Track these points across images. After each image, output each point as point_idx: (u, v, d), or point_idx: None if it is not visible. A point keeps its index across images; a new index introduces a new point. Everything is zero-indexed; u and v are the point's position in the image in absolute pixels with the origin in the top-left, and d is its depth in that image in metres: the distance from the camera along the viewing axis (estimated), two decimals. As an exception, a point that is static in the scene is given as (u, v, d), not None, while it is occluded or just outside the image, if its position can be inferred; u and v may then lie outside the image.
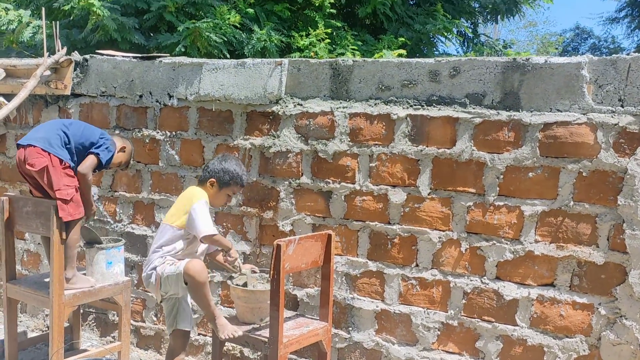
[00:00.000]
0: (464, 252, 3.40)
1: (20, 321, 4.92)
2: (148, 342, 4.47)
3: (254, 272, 3.66)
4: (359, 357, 3.70)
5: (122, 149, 3.98)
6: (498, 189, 3.30)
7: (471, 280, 3.38)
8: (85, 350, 4.40)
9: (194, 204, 3.36)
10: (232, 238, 4.07)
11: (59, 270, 3.75)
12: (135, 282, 4.48)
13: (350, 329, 3.72)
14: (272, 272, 3.13)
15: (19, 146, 3.79)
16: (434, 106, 3.45)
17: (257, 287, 3.47)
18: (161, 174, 4.34)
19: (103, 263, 4.00)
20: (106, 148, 3.82)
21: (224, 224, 4.11)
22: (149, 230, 4.40)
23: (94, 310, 4.68)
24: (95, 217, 4.62)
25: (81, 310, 4.57)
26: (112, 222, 4.57)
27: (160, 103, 4.30)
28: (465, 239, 3.39)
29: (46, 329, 4.80)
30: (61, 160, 3.74)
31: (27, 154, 3.73)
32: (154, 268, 3.41)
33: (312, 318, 3.62)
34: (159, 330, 4.41)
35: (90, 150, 3.78)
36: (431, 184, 3.46)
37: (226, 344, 3.57)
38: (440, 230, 3.46)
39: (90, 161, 3.79)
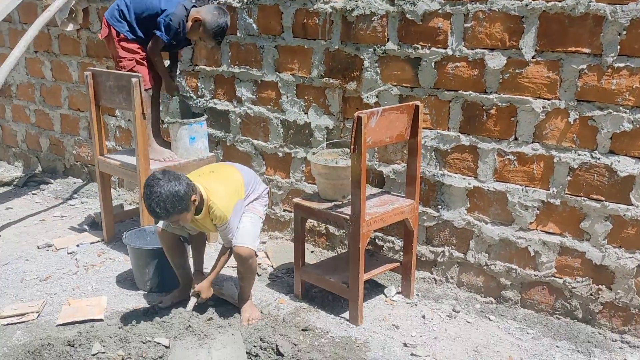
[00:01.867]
0: (572, 123, 2.97)
1: (119, 195, 5.13)
2: (236, 217, 4.50)
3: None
4: (449, 236, 3.49)
5: (196, 21, 3.76)
6: (619, 47, 2.78)
7: (579, 155, 2.98)
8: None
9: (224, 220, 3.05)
10: (315, 112, 3.85)
11: (143, 145, 3.74)
12: (221, 158, 4.45)
13: (440, 207, 3.49)
14: (352, 146, 2.90)
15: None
16: (544, -51, 2.88)
17: (340, 163, 3.27)
18: (240, 44, 4.11)
19: (186, 138, 3.96)
20: (166, 26, 3.71)
21: (306, 97, 3.87)
22: (231, 105, 4.27)
23: (184, 186, 4.75)
24: (180, 94, 4.54)
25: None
26: (194, 97, 4.48)
27: (234, -33, 3.97)
28: (575, 108, 2.95)
29: (143, 202, 4.97)
30: (117, 33, 3.79)
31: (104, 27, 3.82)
32: None
33: (398, 195, 3.41)
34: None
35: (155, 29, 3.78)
36: (537, 45, 2.99)
37: (309, 221, 3.46)
38: (545, 99, 3.02)
39: (152, 43, 3.82)
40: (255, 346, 2.68)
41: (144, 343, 2.69)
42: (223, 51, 4.21)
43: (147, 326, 2.93)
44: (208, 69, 4.33)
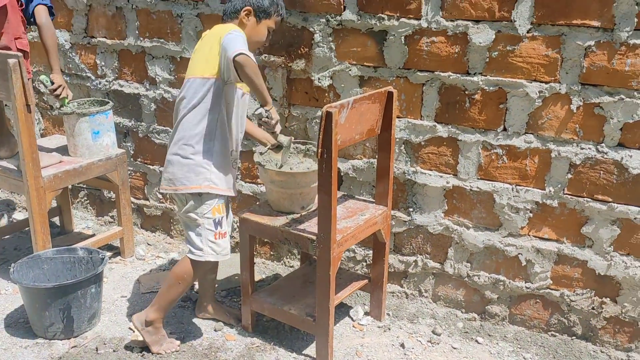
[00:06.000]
0: (574, 110, 2.49)
1: (-1, 199, 4.15)
2: (155, 223, 3.72)
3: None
4: (422, 243, 2.96)
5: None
6: (636, 20, 2.30)
7: (582, 149, 2.52)
8: (80, 234, 3.68)
9: (227, 34, 2.30)
10: (252, 96, 3.13)
11: (30, 146, 2.86)
12: (132, 152, 3.62)
13: (411, 210, 2.94)
14: (319, 149, 2.25)
15: None
16: None
17: (293, 163, 2.62)
18: (150, 12, 3.27)
19: (88, 133, 3.12)
20: None
21: (240, 77, 3.14)
22: (142, 88, 3.44)
23: (85, 187, 3.88)
24: (72, 73, 3.63)
25: (69, 187, 3.77)
26: (93, 78, 3.58)
27: None
28: (578, 93, 2.47)
29: (32, 206, 4.03)
30: (18, 0, 2.87)
31: None
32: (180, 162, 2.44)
33: (364, 200, 2.82)
34: (166, 209, 3.63)
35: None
36: (533, 16, 2.45)
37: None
38: (542, 82, 2.52)
39: (45, 13, 3.01)
40: None
41: None
42: (128, 20, 3.34)
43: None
44: (109, 42, 3.45)
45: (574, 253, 2.64)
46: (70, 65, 3.60)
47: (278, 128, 2.45)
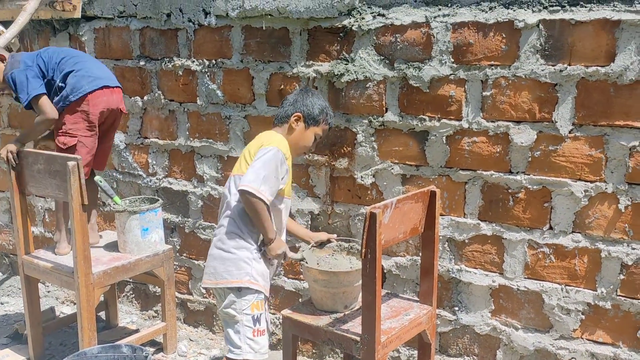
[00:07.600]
0: (622, 210, 2.46)
1: (48, 292, 4.26)
2: (197, 318, 3.73)
3: (330, 241, 2.81)
4: (469, 344, 2.87)
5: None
6: (679, 121, 2.31)
7: (633, 249, 2.46)
8: (124, 329, 3.71)
9: (264, 147, 2.41)
10: (296, 194, 3.21)
11: (83, 245, 2.96)
12: (178, 247, 3.70)
13: (457, 309, 2.88)
14: (364, 249, 2.26)
15: (102, 87, 3.12)
16: (582, 6, 2.42)
17: (338, 262, 2.63)
18: (200, 114, 3.45)
19: (137, 230, 3.21)
20: None
21: (284, 175, 3.23)
22: (190, 185, 3.56)
23: (131, 281, 3.95)
24: (125, 171, 3.80)
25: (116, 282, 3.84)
26: (144, 176, 3.74)
27: (194, 23, 3.34)
28: (625, 192, 2.44)
29: (79, 300, 4.11)
30: None
31: (119, 97, 3.23)
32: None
33: (408, 299, 2.78)
34: (209, 305, 3.65)
35: None
36: (574, 117, 2.49)
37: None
38: (587, 181, 2.51)
39: None
40: None
41: None
42: (180, 121, 3.52)
43: None
44: (161, 142, 3.62)
45: (631, 358, 2.52)
46: (124, 164, 3.78)
47: (288, 257, 2.52)
